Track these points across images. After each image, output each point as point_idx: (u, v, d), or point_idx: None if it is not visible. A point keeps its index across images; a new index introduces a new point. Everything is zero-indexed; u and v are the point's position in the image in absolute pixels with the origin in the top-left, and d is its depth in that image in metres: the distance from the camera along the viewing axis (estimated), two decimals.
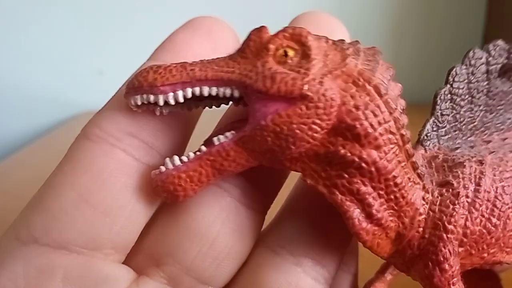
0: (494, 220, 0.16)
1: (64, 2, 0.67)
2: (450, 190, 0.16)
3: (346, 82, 0.14)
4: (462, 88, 0.17)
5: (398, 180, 0.15)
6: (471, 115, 0.18)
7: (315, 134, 0.14)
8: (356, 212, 0.15)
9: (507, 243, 0.17)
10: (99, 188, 0.15)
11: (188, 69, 0.14)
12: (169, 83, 0.14)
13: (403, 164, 0.15)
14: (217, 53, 0.17)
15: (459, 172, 0.16)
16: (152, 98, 0.14)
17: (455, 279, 0.15)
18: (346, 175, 0.14)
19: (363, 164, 0.14)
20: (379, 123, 0.14)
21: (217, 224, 0.16)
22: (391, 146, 0.14)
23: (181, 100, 0.14)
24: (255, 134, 0.14)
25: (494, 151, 0.17)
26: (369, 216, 0.15)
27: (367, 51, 0.15)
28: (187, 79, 0.14)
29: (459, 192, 0.16)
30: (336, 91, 0.14)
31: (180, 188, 0.14)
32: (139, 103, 0.14)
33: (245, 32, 0.15)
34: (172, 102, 0.14)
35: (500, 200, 0.16)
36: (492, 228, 0.16)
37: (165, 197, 0.15)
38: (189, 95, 0.14)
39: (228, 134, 0.14)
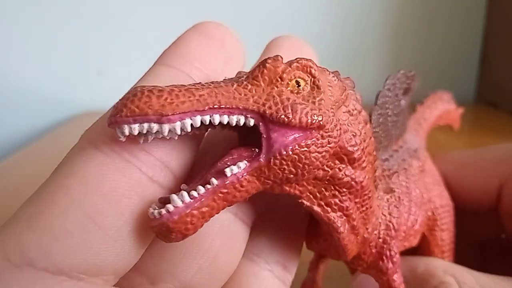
0: (415, 215, 0.20)
1: (65, 2, 0.68)
2: (393, 196, 0.19)
3: (344, 112, 0.15)
4: (383, 108, 0.20)
5: (370, 194, 0.16)
6: (387, 130, 0.20)
7: (324, 160, 0.15)
8: (345, 227, 0.16)
9: (415, 232, 0.21)
10: (110, 210, 0.13)
11: (197, 95, 0.13)
12: (180, 112, 0.13)
13: (372, 179, 0.17)
14: (228, 67, 0.17)
15: (395, 180, 0.20)
16: (155, 128, 0.13)
17: (399, 267, 0.19)
18: (338, 195, 0.16)
19: (354, 184, 0.16)
20: (365, 147, 0.16)
21: (218, 241, 0.16)
22: (369, 166, 0.16)
23: (189, 130, 0.13)
24: (272, 164, 0.14)
25: (404, 158, 0.21)
26: (352, 228, 0.16)
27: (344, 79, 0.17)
28: (200, 107, 0.13)
29: (399, 197, 0.19)
30: (342, 121, 0.15)
31: (192, 227, 0.13)
32: (136, 133, 0.13)
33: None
34: (178, 132, 0.13)
35: (416, 198, 0.20)
36: (414, 221, 0.20)
37: (172, 238, 0.13)
38: (198, 124, 0.13)
39: (241, 164, 0.14)
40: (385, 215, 0.18)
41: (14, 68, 0.68)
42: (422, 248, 0.23)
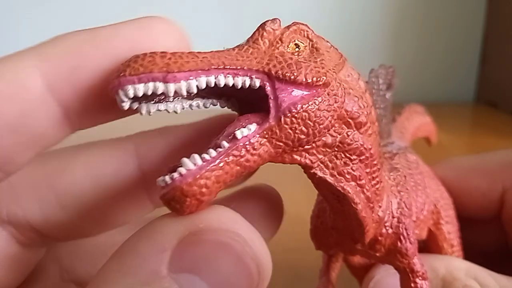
0: (421, 197, 0.20)
1: (65, 2, 0.68)
2: (398, 174, 0.19)
3: (345, 76, 0.15)
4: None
5: (379, 166, 0.16)
6: (378, 121, 0.20)
7: (333, 121, 0.14)
8: (360, 198, 0.16)
9: (424, 217, 0.21)
10: None
11: (200, 56, 0.13)
12: (186, 70, 0.12)
13: (378, 151, 0.17)
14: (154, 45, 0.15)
15: (398, 160, 0.20)
16: (161, 87, 0.12)
17: (417, 250, 0.18)
18: (350, 163, 0.15)
19: (363, 150, 0.15)
20: (369, 113, 0.16)
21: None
22: (374, 136, 0.16)
23: (195, 90, 0.13)
24: (283, 123, 0.14)
25: (400, 148, 0.22)
26: (368, 200, 0.16)
27: None
28: (204, 67, 0.13)
29: (405, 175, 0.19)
30: (345, 83, 0.15)
31: (206, 191, 0.13)
32: (141, 93, 0.12)
33: (239, 29, 0.15)
34: (184, 92, 0.13)
35: (419, 181, 0.21)
36: (422, 205, 0.20)
37: (187, 206, 0.13)
38: (203, 85, 0.13)
39: (251, 126, 0.13)
40: (395, 194, 0.18)
41: None
42: (431, 245, 0.22)
